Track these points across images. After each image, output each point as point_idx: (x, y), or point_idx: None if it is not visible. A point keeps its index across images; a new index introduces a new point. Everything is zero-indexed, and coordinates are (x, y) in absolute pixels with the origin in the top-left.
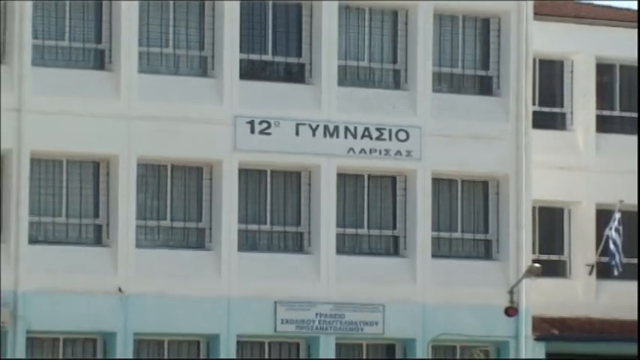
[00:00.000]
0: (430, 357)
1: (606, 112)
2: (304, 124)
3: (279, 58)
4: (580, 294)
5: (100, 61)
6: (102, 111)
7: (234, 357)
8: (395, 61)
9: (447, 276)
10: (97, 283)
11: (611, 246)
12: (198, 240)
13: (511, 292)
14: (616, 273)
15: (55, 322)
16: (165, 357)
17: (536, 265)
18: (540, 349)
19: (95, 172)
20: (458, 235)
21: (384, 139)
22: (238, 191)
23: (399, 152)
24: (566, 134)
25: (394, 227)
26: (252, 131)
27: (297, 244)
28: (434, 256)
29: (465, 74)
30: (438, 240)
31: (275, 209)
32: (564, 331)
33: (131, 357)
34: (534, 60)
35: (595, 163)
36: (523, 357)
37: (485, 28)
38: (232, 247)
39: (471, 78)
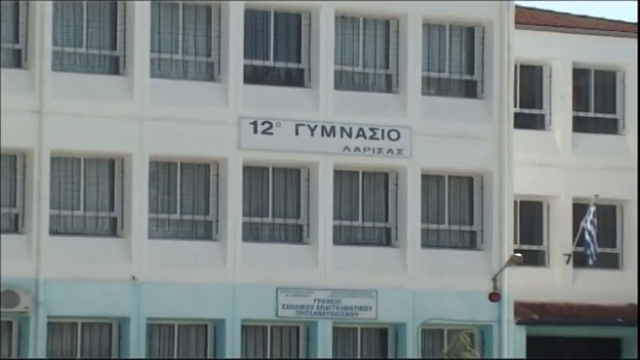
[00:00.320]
0: (420, 340)
1: (582, 114)
2: (303, 125)
3: (280, 64)
4: (558, 281)
5: (115, 66)
6: (116, 113)
7: (239, 340)
8: (387, 67)
9: (435, 264)
10: (112, 271)
11: (587, 237)
12: (206, 231)
13: (494, 280)
14: (591, 262)
15: (73, 307)
16: (176, 340)
17: (518, 254)
18: (521, 333)
19: (110, 169)
20: (445, 226)
21: (377, 139)
22: (242, 187)
23: (390, 150)
24: (545, 134)
25: (386, 220)
26: (255, 131)
27: (297, 235)
28: (423, 246)
29: (452, 78)
30: (427, 231)
31: (276, 203)
32: (544, 315)
33: (144, 340)
34: (515, 65)
35: (571, 161)
36: (505, 340)
37: (470, 36)
38: (237, 237)
39: (457, 82)
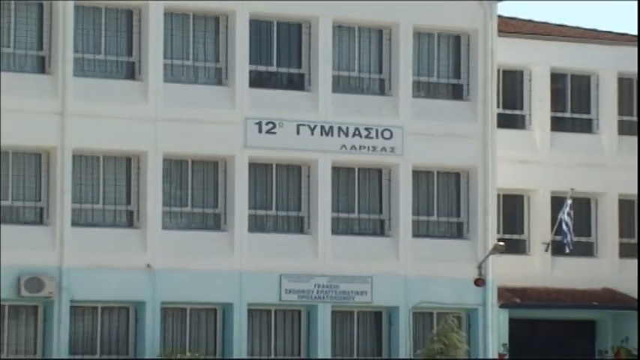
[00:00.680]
0: (411, 322)
1: (559, 114)
2: (304, 125)
3: (282, 69)
4: (538, 268)
5: (131, 71)
6: (132, 114)
7: (246, 322)
8: (380, 72)
9: (425, 253)
10: (129, 260)
11: (564, 227)
12: (215, 223)
13: (479, 267)
14: (567, 250)
15: (93, 293)
16: (187, 323)
17: (501, 243)
18: (504, 315)
19: (127, 166)
20: (434, 218)
21: (372, 138)
22: (248, 182)
23: (384, 149)
24: (526, 133)
25: (380, 212)
26: (260, 131)
27: (298, 226)
28: (414, 236)
29: (440, 82)
30: (418, 222)
31: (279, 197)
32: (525, 299)
33: (158, 323)
34: (498, 70)
35: (550, 158)
36: (490, 322)
37: (456, 43)
38: (243, 228)
39: (445, 85)
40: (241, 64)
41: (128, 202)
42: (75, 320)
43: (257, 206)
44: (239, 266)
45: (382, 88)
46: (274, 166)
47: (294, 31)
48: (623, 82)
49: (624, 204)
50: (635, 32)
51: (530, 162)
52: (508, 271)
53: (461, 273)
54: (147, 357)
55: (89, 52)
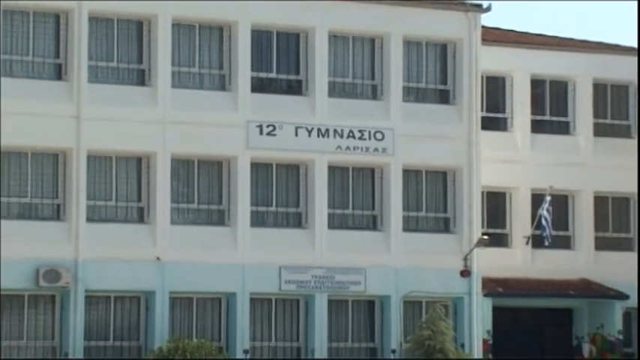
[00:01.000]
0: (402, 310)
1: (539, 117)
2: (302, 127)
3: (281, 76)
4: (519, 260)
5: (142, 78)
6: (143, 118)
7: (248, 311)
8: (372, 78)
9: (414, 246)
10: (139, 253)
11: (543, 222)
12: (219, 218)
13: (465, 259)
14: (547, 243)
15: (107, 283)
16: (194, 311)
17: (485, 237)
18: (488, 304)
19: (138, 165)
20: (423, 214)
21: (365, 139)
22: (250, 180)
23: (376, 149)
24: (508, 135)
25: (373, 208)
26: (261, 133)
27: (297, 221)
28: (404, 230)
29: (428, 88)
30: (407, 218)
31: (279, 194)
32: (507, 289)
33: (167, 311)
34: (482, 76)
35: (530, 157)
36: (475, 310)
37: (443, 51)
38: (246, 224)
39: (433, 91)
40: (243, 71)
41: (139, 199)
42: (90, 309)
43: (258, 203)
44: (242, 259)
45: (374, 93)
46: (274, 166)
47: (293, 40)
48: (598, 88)
49: (599, 200)
50: (610, 41)
51: (511, 161)
52: (491, 262)
53: (448, 264)
54: (156, 343)
55: (102, 60)
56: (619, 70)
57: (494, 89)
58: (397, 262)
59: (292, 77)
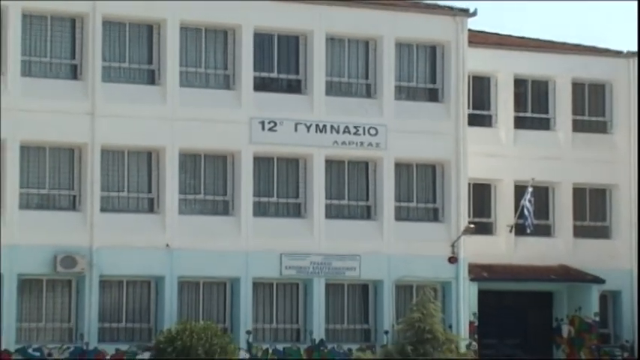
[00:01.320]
0: (394, 293)
1: (521, 114)
2: (301, 124)
3: (282, 75)
4: (503, 247)
5: (152, 78)
6: (153, 114)
7: (251, 294)
8: (367, 77)
9: (405, 234)
10: (150, 240)
11: (525, 212)
12: (224, 208)
13: (452, 246)
14: (528, 231)
15: (120, 269)
16: (201, 294)
17: (471, 225)
18: (474, 288)
19: (148, 159)
20: (413, 204)
21: (360, 134)
22: (253, 173)
23: (370, 144)
24: (492, 130)
25: (367, 199)
26: (263, 129)
27: (296, 211)
28: (396, 219)
29: (418, 87)
30: (399, 208)
31: (280, 186)
32: (492, 274)
33: (176, 294)
34: (469, 76)
35: (513, 152)
36: (461, 293)
37: (432, 53)
38: (249, 213)
39: (423, 89)
40: (247, 71)
41: (149, 190)
42: (103, 293)
43: (260, 194)
44: (245, 246)
45: (368, 91)
46: (275, 160)
47: (292, 42)
48: (576, 87)
49: (577, 191)
50: (588, 43)
51: (496, 155)
52: (477, 249)
53: (436, 251)
54: (166, 324)
55: (115, 61)
56: (596, 71)
57: (480, 88)
58: (389, 249)
59: (292, 77)
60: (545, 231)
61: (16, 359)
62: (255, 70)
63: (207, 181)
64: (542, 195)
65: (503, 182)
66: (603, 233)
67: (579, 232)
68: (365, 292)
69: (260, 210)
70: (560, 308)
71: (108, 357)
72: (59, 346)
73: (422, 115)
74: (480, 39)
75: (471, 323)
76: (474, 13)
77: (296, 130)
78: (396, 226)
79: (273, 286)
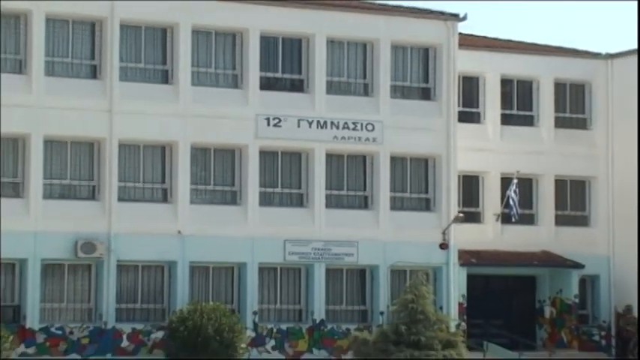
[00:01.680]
0: (389, 278)
1: (507, 112)
2: (303, 120)
3: (286, 75)
4: (490, 234)
5: (165, 77)
6: (166, 112)
7: (257, 278)
8: (364, 77)
9: (400, 222)
10: (163, 227)
11: (511, 202)
12: (232, 198)
13: (443, 233)
14: (513, 220)
15: (135, 254)
16: (210, 278)
17: (460, 214)
18: (463, 272)
19: (162, 153)
20: (407, 195)
21: (358, 130)
22: (259, 166)
23: (367, 139)
24: (481, 126)
25: (364, 189)
26: (268, 125)
27: (299, 201)
28: (391, 209)
29: (412, 86)
30: (394, 198)
31: (284, 177)
32: (479, 259)
33: (187, 278)
34: (459, 76)
35: (499, 146)
36: (452, 277)
37: (425, 55)
38: (255, 203)
39: (416, 89)
40: (253, 71)
41: (163, 181)
42: (120, 276)
43: (266, 185)
44: (251, 233)
45: (366, 90)
46: (279, 153)
47: (296, 45)
48: (558, 86)
49: (559, 183)
50: (569, 45)
51: (483, 150)
52: (466, 236)
53: (428, 238)
54: (178, 305)
55: (132, 62)
56: (576, 71)
57: (469, 87)
58: (385, 237)
59: (295, 77)
60: (529, 220)
61: (40, 337)
62: (261, 70)
63: (217, 173)
64: (527, 186)
65: (491, 174)
66: (583, 222)
67: (560, 220)
68: (362, 276)
69: (265, 200)
70: (542, 291)
71: (124, 335)
72: (79, 325)
73: (415, 113)
74: (469, 42)
75: (460, 305)
76: (464, 18)
77: (299, 126)
78: (391, 215)
79: (277, 270)
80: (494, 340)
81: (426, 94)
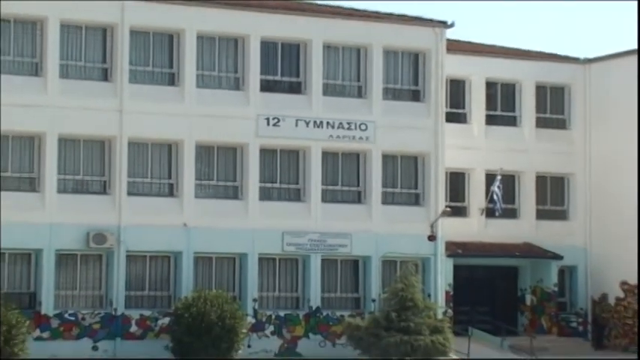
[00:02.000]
0: (380, 268)
1: (492, 112)
2: (301, 120)
3: (285, 78)
4: (475, 227)
5: (172, 80)
6: (173, 112)
7: (257, 268)
8: (358, 80)
9: (391, 216)
10: (170, 220)
11: (495, 197)
12: (234, 193)
13: (431, 226)
14: (497, 214)
15: (143, 245)
16: (213, 268)
17: (448, 208)
18: (450, 263)
19: (169, 150)
20: (398, 190)
21: (352, 129)
22: (259, 162)
23: (361, 138)
24: (467, 126)
25: (358, 185)
26: (268, 124)
27: (297, 195)
28: (383, 203)
29: (403, 88)
30: (386, 193)
31: (283, 174)
32: (465, 251)
33: (192, 268)
34: (446, 79)
35: (484, 145)
36: (439, 267)
37: (415, 59)
38: (255, 197)
39: (407, 91)
40: (254, 74)
41: (169, 177)
42: (129, 265)
43: (265, 180)
44: (252, 225)
45: (360, 92)
46: (278, 151)
47: (294, 49)
48: (539, 89)
49: (539, 179)
50: (550, 50)
51: (469, 148)
52: (453, 229)
53: (417, 231)
54: (183, 293)
55: (141, 65)
56: (557, 75)
57: (456, 90)
58: (377, 229)
59: (293, 79)
60: (511, 214)
61: (55, 322)
62: (261, 73)
63: (220, 169)
64: (509, 182)
65: (476, 171)
66: (562, 215)
67: (541, 214)
68: (355, 266)
69: (265, 194)
70: (524, 280)
71: (133, 321)
72: (91, 311)
73: (406, 113)
74: (456, 47)
75: (447, 293)
76: (452, 25)
77: (296, 125)
78: (383, 209)
79: (275, 260)
80: (479, 326)
81: (415, 96)
